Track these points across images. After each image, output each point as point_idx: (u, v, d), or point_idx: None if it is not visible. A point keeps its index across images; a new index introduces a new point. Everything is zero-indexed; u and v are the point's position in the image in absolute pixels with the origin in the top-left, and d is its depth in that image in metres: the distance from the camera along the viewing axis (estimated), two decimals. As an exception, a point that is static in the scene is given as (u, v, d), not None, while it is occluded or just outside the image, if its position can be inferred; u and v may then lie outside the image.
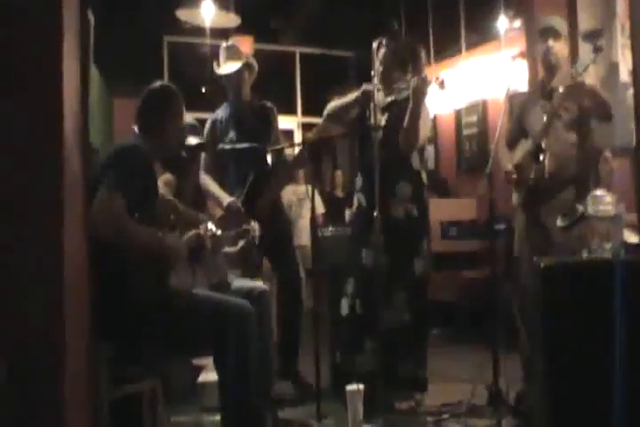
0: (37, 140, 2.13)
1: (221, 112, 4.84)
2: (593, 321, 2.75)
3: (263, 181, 4.52)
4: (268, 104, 4.81)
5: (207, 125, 4.82)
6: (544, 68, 4.15)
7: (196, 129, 4.31)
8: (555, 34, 4.06)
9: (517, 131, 3.99)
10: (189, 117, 4.12)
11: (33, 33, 2.15)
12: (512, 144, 4.06)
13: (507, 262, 4.17)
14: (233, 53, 4.74)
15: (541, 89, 4.16)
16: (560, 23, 4.14)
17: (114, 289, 2.87)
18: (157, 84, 3.37)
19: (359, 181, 4.27)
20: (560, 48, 4.08)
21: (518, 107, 4.15)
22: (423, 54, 4.19)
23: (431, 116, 4.32)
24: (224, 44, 4.83)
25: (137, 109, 3.32)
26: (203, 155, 4.67)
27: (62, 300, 2.12)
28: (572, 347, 2.75)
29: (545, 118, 4.02)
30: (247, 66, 4.74)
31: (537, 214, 4.00)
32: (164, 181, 3.86)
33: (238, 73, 4.70)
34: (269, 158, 4.71)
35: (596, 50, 3.89)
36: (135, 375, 3.01)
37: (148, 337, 2.95)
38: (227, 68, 4.70)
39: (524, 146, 4.05)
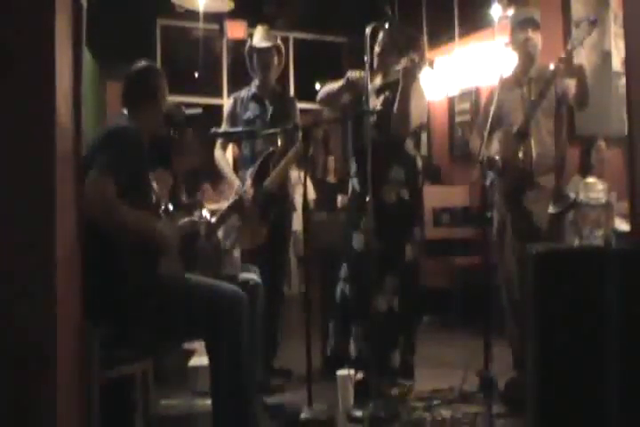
0: (30, 123, 2.12)
1: (245, 92, 4.91)
2: (585, 308, 2.76)
3: (272, 164, 4.54)
4: (291, 96, 4.89)
5: (229, 103, 4.95)
6: (522, 58, 4.19)
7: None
8: (534, 25, 4.10)
9: (490, 118, 3.99)
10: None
11: (26, 17, 2.13)
12: (482, 131, 4.06)
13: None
14: (269, 35, 4.83)
15: (517, 78, 4.18)
16: (537, 14, 4.19)
17: (106, 272, 2.87)
18: (139, 64, 3.34)
19: (353, 165, 4.27)
20: (537, 39, 4.12)
21: (492, 95, 4.16)
22: (423, 43, 4.20)
23: (426, 100, 4.30)
24: (259, 27, 4.88)
25: (122, 91, 3.31)
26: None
27: (56, 284, 2.12)
28: (563, 334, 2.76)
29: (521, 106, 4.05)
30: (278, 49, 4.82)
31: (520, 201, 4.02)
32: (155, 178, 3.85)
33: (270, 52, 4.77)
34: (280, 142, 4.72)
35: (592, 23, 3.91)
36: (127, 358, 3.01)
37: (141, 321, 2.94)
38: (262, 42, 4.76)
39: (502, 133, 4.07)
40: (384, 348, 4.00)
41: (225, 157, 4.85)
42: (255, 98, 4.83)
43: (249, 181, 4.44)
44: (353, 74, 4.08)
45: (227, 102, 5.01)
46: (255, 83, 4.87)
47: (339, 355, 4.22)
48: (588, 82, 4.00)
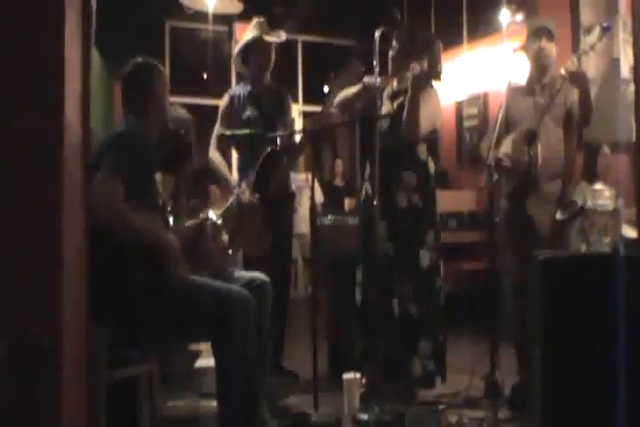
0: (38, 123, 2.12)
1: (239, 89, 4.82)
2: (591, 315, 2.75)
3: (273, 164, 4.50)
4: (285, 89, 4.82)
5: (224, 101, 4.81)
6: (535, 68, 4.16)
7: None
8: (548, 34, 4.07)
9: (498, 124, 3.97)
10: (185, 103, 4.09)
11: (35, 17, 2.13)
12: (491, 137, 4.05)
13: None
14: (268, 29, 4.72)
15: (530, 87, 4.17)
16: (552, 25, 4.15)
17: (113, 273, 2.87)
18: (132, 62, 3.31)
19: (366, 169, 4.25)
20: (551, 49, 4.09)
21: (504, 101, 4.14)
22: (439, 47, 4.16)
23: (440, 105, 4.27)
24: (255, 20, 4.76)
25: (121, 92, 3.30)
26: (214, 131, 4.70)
27: (61, 284, 2.12)
28: (569, 340, 2.76)
29: (532, 114, 4.04)
30: (276, 44, 4.75)
31: (522, 206, 4.01)
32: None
33: (273, 46, 4.70)
34: (279, 142, 4.62)
35: (605, 29, 3.89)
36: (132, 359, 3.01)
37: (146, 321, 2.94)
38: (271, 37, 4.67)
39: (509, 138, 4.07)
40: (401, 354, 3.99)
41: (220, 158, 4.73)
42: (252, 96, 4.73)
43: (245, 184, 4.37)
44: (370, 79, 4.06)
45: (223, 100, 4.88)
46: (250, 79, 4.78)
47: (350, 357, 4.21)
48: (591, 100, 3.97)
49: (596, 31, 3.91)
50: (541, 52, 4.07)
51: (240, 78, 4.82)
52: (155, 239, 2.95)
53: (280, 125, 4.63)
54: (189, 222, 3.36)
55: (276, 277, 4.40)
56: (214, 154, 4.71)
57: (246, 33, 4.80)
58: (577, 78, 3.89)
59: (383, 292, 3.89)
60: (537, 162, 3.91)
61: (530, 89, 4.15)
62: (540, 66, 4.11)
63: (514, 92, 4.04)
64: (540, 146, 3.91)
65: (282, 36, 4.72)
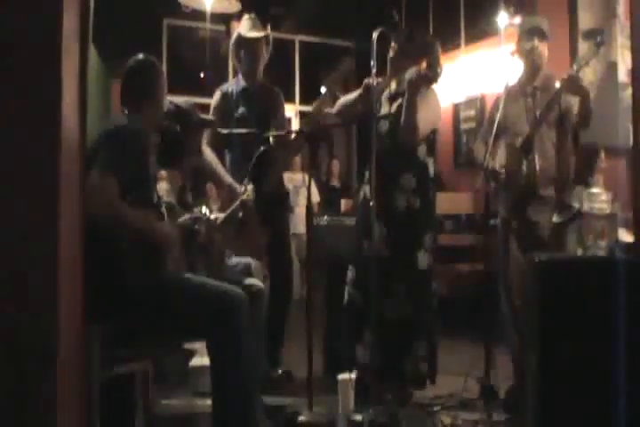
0: (35, 123, 2.11)
1: (231, 86, 4.76)
2: (586, 319, 2.75)
3: (268, 164, 4.48)
4: (277, 89, 4.79)
5: (216, 97, 4.74)
6: (527, 67, 4.16)
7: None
8: (541, 34, 4.07)
9: (495, 126, 3.96)
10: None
11: (32, 16, 2.12)
12: (486, 139, 4.04)
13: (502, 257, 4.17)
14: (256, 24, 4.68)
15: (522, 87, 4.16)
16: (546, 25, 4.14)
17: (109, 272, 2.87)
18: (134, 59, 3.31)
19: (366, 172, 4.22)
20: (544, 49, 4.09)
21: (497, 103, 4.13)
22: (438, 49, 4.14)
23: (440, 106, 4.26)
24: (246, 16, 4.74)
25: (121, 88, 3.29)
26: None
27: (58, 283, 2.11)
28: (564, 345, 2.76)
29: (526, 116, 4.04)
30: (267, 39, 4.70)
31: (524, 212, 4.00)
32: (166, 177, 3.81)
33: (260, 42, 4.65)
34: (272, 141, 4.55)
35: (598, 44, 3.90)
36: (127, 358, 3.01)
37: (141, 320, 2.93)
38: (252, 32, 4.62)
39: (505, 145, 4.06)
40: (395, 355, 3.99)
41: (214, 156, 4.63)
42: (245, 93, 4.69)
43: (249, 186, 4.26)
44: (370, 80, 4.03)
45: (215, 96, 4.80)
46: (242, 76, 4.74)
47: (342, 358, 4.20)
48: (590, 103, 3.97)
49: (591, 46, 3.91)
50: (534, 53, 4.07)
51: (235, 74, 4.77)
52: (151, 231, 2.95)
53: (273, 124, 4.60)
54: (182, 218, 3.35)
55: (276, 278, 4.40)
56: (208, 152, 4.63)
57: (236, 30, 4.78)
58: (574, 87, 3.89)
59: (378, 292, 3.89)
60: (535, 171, 3.90)
61: (521, 90, 4.15)
62: (533, 66, 4.11)
63: (506, 93, 4.03)
64: (536, 154, 3.91)
65: (263, 31, 4.67)
